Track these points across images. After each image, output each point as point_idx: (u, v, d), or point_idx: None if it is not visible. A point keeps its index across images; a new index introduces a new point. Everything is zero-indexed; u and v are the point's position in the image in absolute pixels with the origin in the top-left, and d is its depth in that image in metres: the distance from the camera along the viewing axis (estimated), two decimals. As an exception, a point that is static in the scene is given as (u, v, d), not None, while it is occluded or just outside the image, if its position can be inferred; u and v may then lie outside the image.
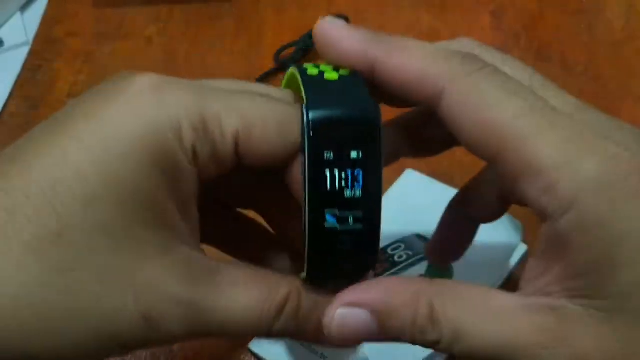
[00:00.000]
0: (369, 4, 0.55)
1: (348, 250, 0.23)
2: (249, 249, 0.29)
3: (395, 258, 0.40)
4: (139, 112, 0.22)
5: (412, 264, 0.39)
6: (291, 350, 0.37)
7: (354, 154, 0.22)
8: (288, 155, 0.23)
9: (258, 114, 0.23)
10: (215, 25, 0.54)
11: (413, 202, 0.42)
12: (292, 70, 0.24)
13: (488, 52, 0.25)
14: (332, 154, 0.22)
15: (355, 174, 0.22)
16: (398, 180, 0.44)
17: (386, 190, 0.43)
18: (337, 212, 0.22)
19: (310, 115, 0.22)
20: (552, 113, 0.22)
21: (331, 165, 0.22)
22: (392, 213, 0.42)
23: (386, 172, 0.45)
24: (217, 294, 0.23)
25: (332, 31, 0.24)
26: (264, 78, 0.50)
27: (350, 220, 0.22)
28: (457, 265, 0.39)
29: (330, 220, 0.22)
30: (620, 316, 0.21)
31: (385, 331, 0.23)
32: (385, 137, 0.23)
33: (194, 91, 0.23)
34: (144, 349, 0.23)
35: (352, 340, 0.24)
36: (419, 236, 0.40)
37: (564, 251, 0.21)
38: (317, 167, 0.22)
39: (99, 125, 0.21)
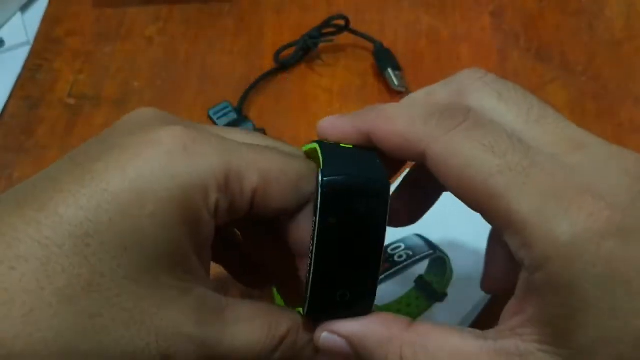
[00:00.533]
0: (368, 4, 0.55)
1: (347, 301, 0.26)
2: (247, 273, 0.33)
3: (395, 258, 0.40)
4: (170, 172, 0.23)
5: (412, 264, 0.39)
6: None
7: (362, 221, 0.24)
8: (297, 209, 0.26)
9: (276, 171, 0.25)
10: (216, 25, 0.54)
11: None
12: (313, 144, 0.27)
13: (486, 86, 0.26)
14: (341, 218, 0.24)
15: (362, 238, 0.25)
16: (399, 179, 0.44)
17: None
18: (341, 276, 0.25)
19: (325, 180, 0.24)
20: (531, 167, 0.22)
21: (340, 229, 0.24)
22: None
23: (387, 171, 0.45)
24: (224, 331, 0.25)
25: (328, 125, 0.27)
26: (264, 78, 0.50)
27: (352, 280, 0.25)
28: (457, 267, 0.39)
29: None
30: None
31: None
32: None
33: (220, 148, 0.24)
34: None
35: (334, 357, 0.27)
36: (419, 236, 0.40)
37: (537, 300, 0.22)
38: (326, 231, 0.24)
39: (131, 180, 0.22)
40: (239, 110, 0.47)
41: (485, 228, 0.36)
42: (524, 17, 0.53)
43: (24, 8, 0.57)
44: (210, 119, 0.44)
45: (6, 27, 0.56)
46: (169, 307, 0.23)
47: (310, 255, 0.25)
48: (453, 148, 0.23)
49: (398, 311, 0.38)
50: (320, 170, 0.24)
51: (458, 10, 0.54)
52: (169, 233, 0.23)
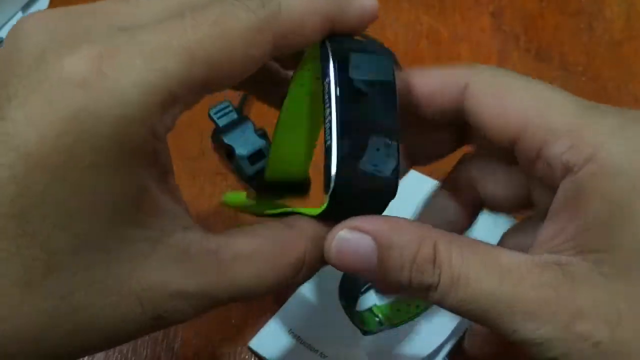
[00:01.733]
0: (369, 4, 0.55)
1: (373, 174, 0.23)
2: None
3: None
4: (95, 109, 0.19)
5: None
6: (291, 349, 0.37)
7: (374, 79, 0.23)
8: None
9: (218, 55, 0.20)
10: (216, 25, 0.54)
11: (416, 203, 0.42)
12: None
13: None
14: (354, 76, 0.22)
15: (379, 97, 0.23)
16: (401, 181, 0.44)
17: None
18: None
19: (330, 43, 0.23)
20: (566, 93, 0.24)
21: (354, 86, 0.22)
22: (394, 213, 0.42)
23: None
24: (221, 276, 0.22)
25: None
26: (265, 78, 0.50)
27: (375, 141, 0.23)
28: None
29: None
30: (629, 273, 0.21)
31: (383, 265, 0.22)
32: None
33: (148, 53, 0.19)
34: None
35: (348, 265, 0.23)
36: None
37: (579, 204, 0.22)
38: (344, 87, 0.22)
39: (55, 136, 0.19)
40: (239, 109, 0.47)
41: (485, 229, 0.37)
42: (524, 17, 0.53)
43: (25, 8, 0.57)
44: (211, 118, 0.44)
45: (7, 27, 0.56)
46: (145, 265, 0.21)
47: (328, 123, 0.22)
48: (497, 79, 0.25)
49: (398, 311, 0.38)
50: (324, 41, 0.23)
51: (458, 10, 0.54)
52: (117, 179, 0.19)
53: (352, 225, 0.23)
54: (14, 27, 0.21)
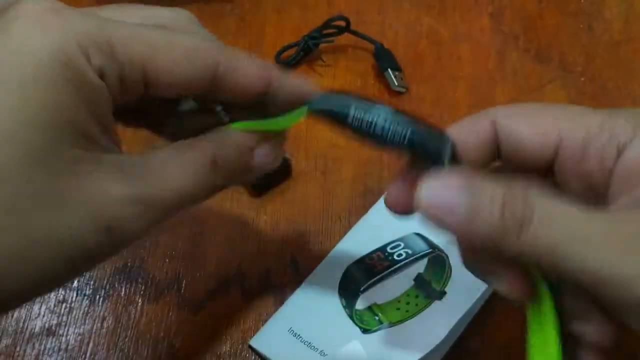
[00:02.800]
0: (368, 5, 0.55)
1: None
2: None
3: (395, 256, 0.40)
4: (46, 35, 0.21)
5: (412, 262, 0.40)
6: (291, 348, 0.37)
7: None
8: (199, 84, 0.25)
9: (164, 42, 0.24)
10: (217, 25, 0.55)
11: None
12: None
13: None
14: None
15: None
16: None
17: (384, 184, 0.44)
18: None
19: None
20: (580, 106, 0.27)
21: None
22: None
23: (387, 170, 0.45)
24: (157, 177, 0.24)
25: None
26: (265, 78, 0.50)
27: None
28: (456, 265, 0.39)
29: None
30: None
31: (472, 211, 0.22)
32: None
33: (99, 18, 0.23)
34: (108, 258, 0.24)
35: (436, 213, 0.23)
36: (419, 235, 0.41)
37: None
38: None
39: (7, 52, 0.21)
40: (240, 110, 0.47)
41: None
42: (523, 18, 0.54)
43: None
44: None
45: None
46: (89, 177, 0.22)
47: None
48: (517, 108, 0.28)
49: (397, 310, 0.38)
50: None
51: (458, 11, 0.54)
52: (57, 95, 0.21)
53: (442, 176, 0.23)
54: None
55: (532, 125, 0.26)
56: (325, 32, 0.51)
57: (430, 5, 0.55)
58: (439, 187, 0.23)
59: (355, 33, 0.51)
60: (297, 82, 0.27)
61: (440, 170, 0.24)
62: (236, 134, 0.27)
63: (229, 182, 0.27)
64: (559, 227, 0.22)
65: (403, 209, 0.27)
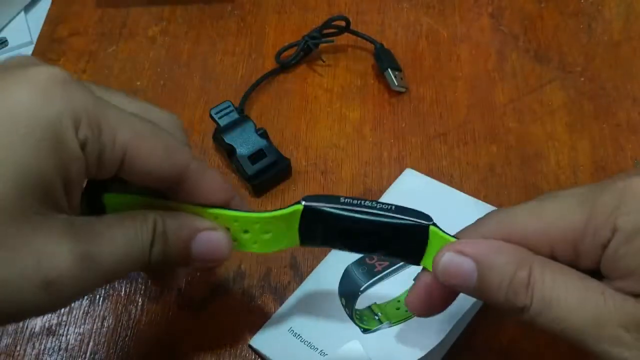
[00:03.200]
0: (369, 6, 0.55)
1: None
2: None
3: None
4: (46, 101, 0.24)
5: (411, 262, 0.40)
6: (291, 347, 0.38)
7: None
8: (172, 180, 0.28)
9: (149, 133, 0.27)
10: (217, 26, 0.55)
11: (413, 201, 0.42)
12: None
13: None
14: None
15: None
16: (398, 179, 0.44)
17: (387, 188, 0.44)
18: None
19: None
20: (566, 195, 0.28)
21: None
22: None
23: (387, 170, 0.46)
24: (101, 237, 0.26)
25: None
26: (265, 78, 0.50)
27: None
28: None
29: None
30: None
31: (482, 284, 0.26)
32: None
33: (97, 98, 0.26)
34: (42, 315, 0.26)
35: (451, 282, 0.27)
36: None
37: (629, 259, 0.25)
38: None
39: (9, 106, 0.23)
40: (240, 109, 0.48)
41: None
42: (523, 18, 0.54)
43: (27, 8, 0.57)
44: (212, 118, 0.44)
45: (9, 27, 0.56)
46: (39, 231, 0.24)
47: None
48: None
49: (397, 309, 0.38)
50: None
51: (457, 11, 0.54)
52: (38, 159, 0.23)
53: (457, 249, 0.27)
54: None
55: (525, 237, 0.28)
56: (325, 32, 0.51)
57: (430, 6, 0.55)
58: (455, 257, 0.27)
59: (355, 33, 0.52)
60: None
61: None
62: (186, 213, 0.30)
63: (166, 261, 0.29)
64: (553, 315, 0.25)
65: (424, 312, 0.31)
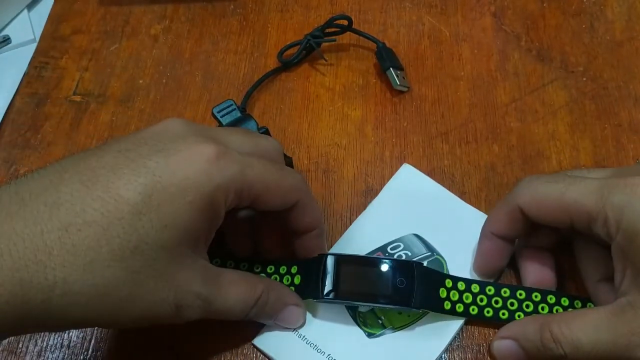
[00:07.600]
0: (371, 5, 0.55)
1: None
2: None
3: (395, 258, 0.40)
4: (208, 175, 0.31)
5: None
6: (294, 347, 0.38)
7: None
8: (284, 208, 0.36)
9: (274, 184, 0.34)
10: (220, 24, 0.55)
11: (411, 199, 0.43)
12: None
13: None
14: None
15: None
16: (396, 174, 0.44)
17: (385, 183, 0.44)
18: None
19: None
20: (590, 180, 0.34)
21: None
22: (391, 210, 0.43)
23: (388, 169, 0.45)
24: (220, 290, 0.34)
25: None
26: (268, 77, 0.50)
27: None
28: (453, 270, 0.40)
29: None
30: None
31: (526, 354, 0.35)
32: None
33: (241, 163, 0.33)
34: (173, 323, 0.33)
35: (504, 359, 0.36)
36: (418, 237, 0.41)
37: (626, 258, 0.32)
38: None
39: (179, 178, 0.30)
40: (242, 108, 0.48)
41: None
42: (525, 17, 0.54)
43: (30, 6, 0.57)
44: (214, 116, 0.44)
45: (13, 25, 0.56)
46: (185, 271, 0.31)
47: None
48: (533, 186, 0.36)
49: (399, 314, 0.38)
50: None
51: (460, 10, 0.54)
52: (198, 218, 0.31)
53: (500, 336, 0.37)
54: (165, 121, 0.33)
55: (548, 213, 0.35)
56: (327, 31, 0.51)
57: (432, 5, 0.55)
58: (504, 343, 0.36)
59: (357, 32, 0.52)
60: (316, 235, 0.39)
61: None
62: (283, 287, 0.38)
63: (254, 319, 0.36)
64: (585, 350, 0.32)
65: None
